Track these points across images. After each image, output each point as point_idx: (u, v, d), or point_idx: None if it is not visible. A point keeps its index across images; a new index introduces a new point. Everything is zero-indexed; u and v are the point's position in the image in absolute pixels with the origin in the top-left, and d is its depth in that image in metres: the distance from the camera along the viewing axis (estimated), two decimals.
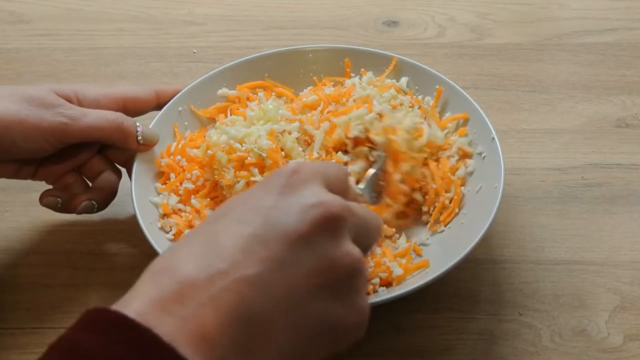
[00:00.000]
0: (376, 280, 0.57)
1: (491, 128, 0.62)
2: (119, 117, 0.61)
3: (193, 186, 0.63)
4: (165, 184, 0.63)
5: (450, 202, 0.61)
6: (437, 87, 0.67)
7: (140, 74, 0.82)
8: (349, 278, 0.40)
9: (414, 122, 0.63)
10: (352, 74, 0.70)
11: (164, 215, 0.62)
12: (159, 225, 0.61)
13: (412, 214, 0.63)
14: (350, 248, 0.41)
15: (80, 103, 0.61)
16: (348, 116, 0.64)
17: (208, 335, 0.36)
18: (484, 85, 0.79)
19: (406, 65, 0.69)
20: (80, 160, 0.63)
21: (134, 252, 0.65)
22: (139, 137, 0.62)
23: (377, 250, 0.59)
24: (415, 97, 0.68)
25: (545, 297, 0.61)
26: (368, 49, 0.71)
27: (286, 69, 0.71)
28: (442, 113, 0.67)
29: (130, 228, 0.65)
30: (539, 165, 0.71)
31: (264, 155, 0.60)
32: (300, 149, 0.64)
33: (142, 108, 0.65)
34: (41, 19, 0.89)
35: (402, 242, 0.60)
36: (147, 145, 0.63)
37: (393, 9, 0.89)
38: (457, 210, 0.61)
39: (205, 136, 0.65)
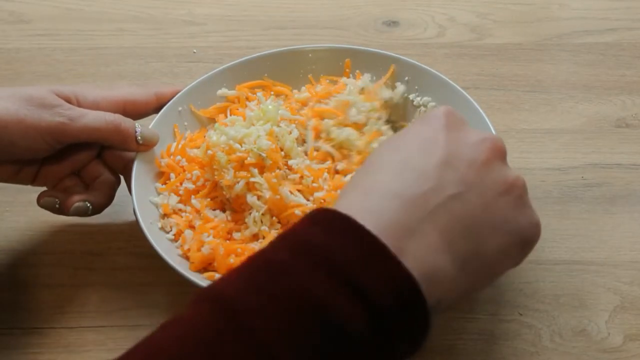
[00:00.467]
0: None
1: (491, 128, 0.62)
2: (117, 118, 0.61)
3: (193, 186, 0.63)
4: (165, 184, 0.63)
5: None
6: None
7: (140, 74, 0.82)
8: (523, 195, 0.47)
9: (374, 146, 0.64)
10: (351, 75, 0.70)
11: (164, 216, 0.62)
12: (159, 225, 0.61)
13: None
14: (516, 171, 0.48)
15: (80, 105, 0.61)
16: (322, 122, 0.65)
17: (431, 246, 0.41)
18: (484, 85, 0.79)
19: (406, 65, 0.69)
20: (79, 163, 0.63)
21: (134, 252, 0.65)
22: (138, 138, 0.62)
23: None
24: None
25: (545, 297, 0.61)
26: (368, 49, 0.71)
27: (286, 69, 0.70)
28: None
29: (130, 228, 0.65)
30: (539, 165, 0.71)
31: (264, 155, 0.60)
32: (300, 148, 0.64)
33: (142, 110, 0.65)
34: (41, 19, 0.89)
35: None
36: (147, 145, 0.63)
37: (393, 9, 0.89)
38: None
39: (205, 136, 0.65)
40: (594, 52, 0.82)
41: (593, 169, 0.70)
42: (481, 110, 0.64)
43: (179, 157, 0.64)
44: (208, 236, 0.59)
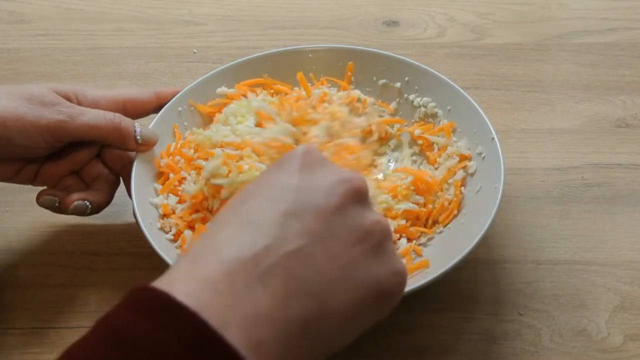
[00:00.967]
0: None
1: (491, 128, 0.62)
2: (117, 116, 0.61)
3: (193, 186, 0.63)
4: (164, 184, 0.63)
5: (450, 203, 0.62)
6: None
7: (140, 74, 0.82)
8: (383, 242, 0.43)
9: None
10: (352, 78, 0.71)
11: (164, 216, 0.62)
12: (159, 225, 0.61)
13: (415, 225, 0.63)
14: (377, 215, 0.44)
15: (80, 103, 0.61)
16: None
17: (261, 313, 0.37)
18: (484, 85, 0.79)
19: (406, 65, 0.69)
20: (79, 162, 0.63)
21: (134, 252, 0.65)
22: (138, 137, 0.62)
23: None
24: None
25: (545, 297, 0.61)
26: (368, 49, 0.71)
27: (286, 69, 0.71)
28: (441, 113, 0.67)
29: (130, 228, 0.65)
30: (538, 165, 0.71)
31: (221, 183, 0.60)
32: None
33: (141, 110, 0.65)
34: (41, 19, 0.89)
35: (402, 242, 0.60)
36: (146, 145, 0.63)
37: (393, 9, 0.89)
38: (456, 210, 0.61)
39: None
40: (594, 52, 0.82)
41: (593, 169, 0.70)
42: (481, 110, 0.64)
43: (178, 157, 0.64)
44: None
